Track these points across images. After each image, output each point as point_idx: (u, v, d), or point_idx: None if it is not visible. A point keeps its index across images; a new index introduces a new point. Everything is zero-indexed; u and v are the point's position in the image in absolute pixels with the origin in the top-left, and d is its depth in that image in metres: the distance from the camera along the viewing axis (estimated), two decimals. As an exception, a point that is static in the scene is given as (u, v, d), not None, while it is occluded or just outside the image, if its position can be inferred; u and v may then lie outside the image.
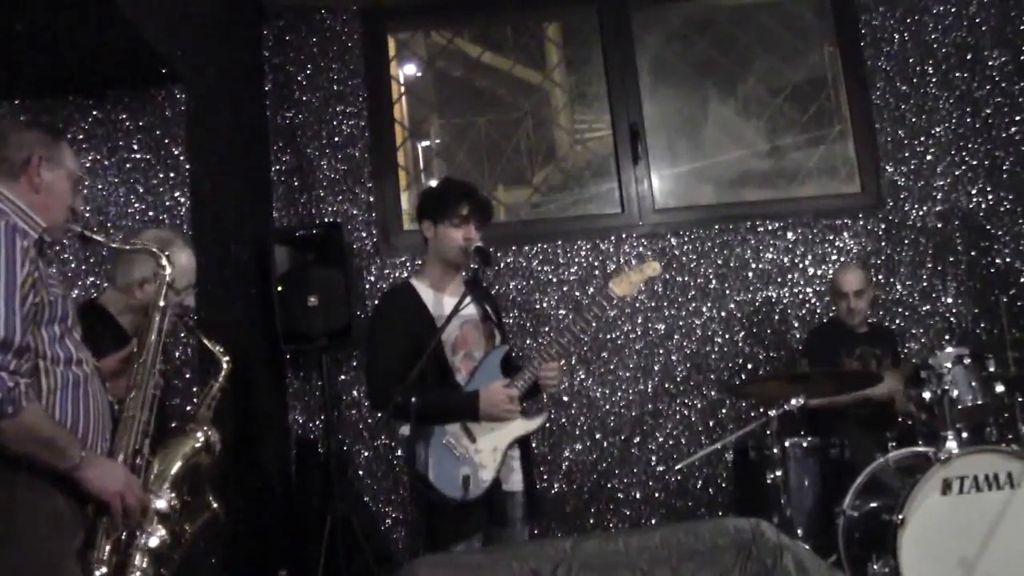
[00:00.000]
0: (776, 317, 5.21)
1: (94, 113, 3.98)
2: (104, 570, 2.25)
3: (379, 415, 3.53)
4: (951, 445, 3.70)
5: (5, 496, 2.07)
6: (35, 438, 2.08)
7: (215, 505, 2.71)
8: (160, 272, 2.58)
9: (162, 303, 2.56)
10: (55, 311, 2.20)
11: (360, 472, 4.99)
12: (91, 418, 2.26)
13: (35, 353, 2.15)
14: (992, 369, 4.01)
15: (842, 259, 5.17)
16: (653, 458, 5.05)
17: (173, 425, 2.69)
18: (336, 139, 5.29)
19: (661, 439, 5.07)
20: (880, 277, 5.21)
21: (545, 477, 4.97)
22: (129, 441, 2.39)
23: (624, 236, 5.23)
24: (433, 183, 4.61)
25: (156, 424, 2.49)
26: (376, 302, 3.80)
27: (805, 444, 4.18)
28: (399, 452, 4.64)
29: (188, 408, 3.56)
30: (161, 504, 2.46)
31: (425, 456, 3.19)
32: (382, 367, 3.37)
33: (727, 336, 5.17)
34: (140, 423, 2.43)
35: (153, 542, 2.38)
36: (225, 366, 2.89)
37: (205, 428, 2.70)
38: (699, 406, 5.10)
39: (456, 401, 3.31)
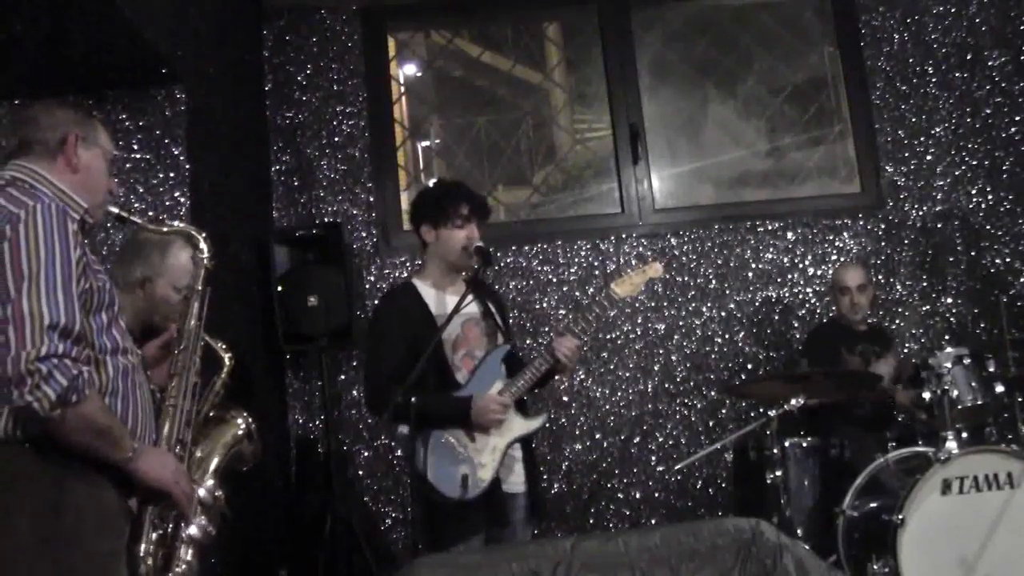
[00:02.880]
0: (776, 317, 5.21)
1: (94, 113, 3.97)
2: (151, 563, 2.19)
3: (380, 417, 3.52)
4: (951, 445, 3.70)
5: (54, 494, 2.01)
6: (94, 428, 2.02)
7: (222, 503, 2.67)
8: (199, 256, 2.54)
9: (200, 287, 2.52)
10: (102, 298, 2.14)
11: (360, 472, 4.99)
12: (139, 409, 2.20)
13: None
14: (992, 369, 4.02)
15: (842, 259, 5.17)
16: (653, 458, 5.05)
17: (211, 414, 2.60)
18: (336, 139, 5.29)
19: (661, 439, 5.07)
20: (880, 277, 5.21)
21: (545, 477, 4.96)
22: (173, 430, 2.33)
23: (624, 236, 5.23)
24: (431, 183, 4.60)
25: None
26: (376, 302, 3.80)
27: (805, 444, 4.18)
28: (399, 452, 4.64)
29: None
30: (203, 494, 2.39)
31: (424, 455, 3.19)
32: (379, 368, 3.38)
33: (727, 336, 5.17)
34: (183, 412, 2.37)
35: (197, 532, 2.31)
36: (227, 363, 2.88)
37: (245, 414, 2.62)
38: (699, 406, 5.10)
39: (450, 407, 3.30)
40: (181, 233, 2.63)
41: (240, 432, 2.59)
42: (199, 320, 2.50)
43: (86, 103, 3.97)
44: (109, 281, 2.21)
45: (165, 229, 2.65)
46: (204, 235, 2.57)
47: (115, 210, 2.40)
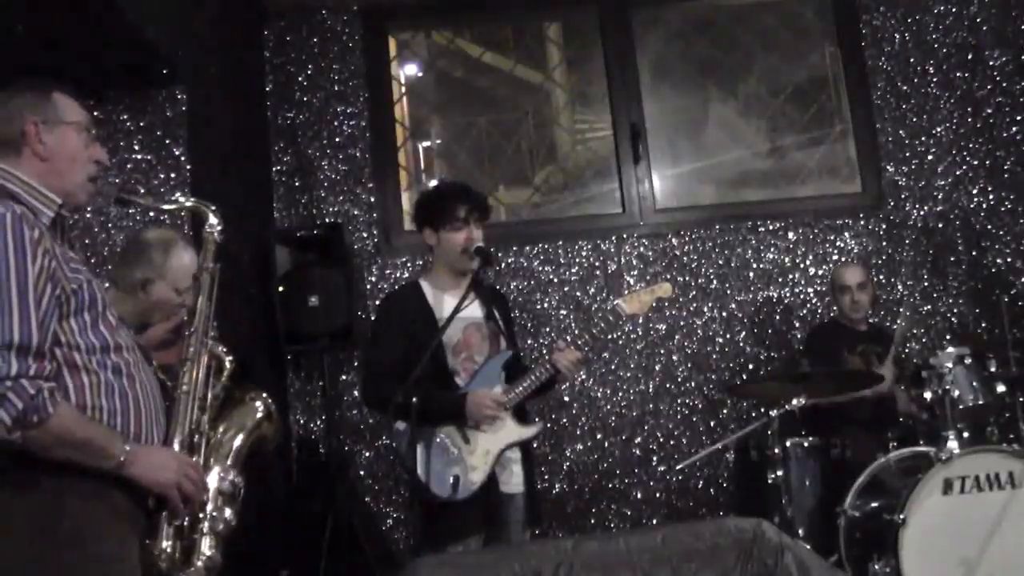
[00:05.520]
0: (777, 317, 5.21)
1: (94, 113, 3.90)
2: (169, 558, 2.14)
3: (375, 411, 3.56)
4: (952, 445, 3.70)
5: (51, 502, 1.97)
6: (69, 443, 1.95)
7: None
8: (207, 232, 2.47)
9: (210, 264, 2.46)
10: (81, 299, 2.05)
11: (361, 473, 4.99)
12: (140, 405, 2.12)
13: (69, 346, 2.02)
14: (993, 369, 4.02)
15: (843, 259, 5.17)
16: (654, 458, 5.04)
17: (235, 394, 2.51)
18: (337, 139, 5.28)
19: (662, 439, 5.06)
20: (881, 277, 5.21)
21: (546, 477, 4.96)
22: (186, 418, 2.25)
23: (625, 236, 5.22)
24: (431, 185, 4.62)
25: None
26: (380, 301, 3.83)
27: (806, 444, 4.18)
28: (394, 445, 4.64)
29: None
30: (224, 484, 2.30)
31: (418, 453, 3.21)
32: (377, 362, 3.42)
33: (728, 336, 5.16)
34: (196, 398, 2.29)
35: (218, 525, 2.26)
36: (228, 366, 2.87)
37: (264, 396, 2.55)
38: (700, 406, 5.10)
39: (446, 402, 3.33)
40: (194, 208, 2.56)
41: (260, 415, 2.51)
42: (209, 300, 2.44)
43: (86, 103, 3.95)
44: (92, 278, 2.13)
45: (172, 206, 2.61)
46: (214, 208, 2.51)
47: (114, 192, 2.36)
